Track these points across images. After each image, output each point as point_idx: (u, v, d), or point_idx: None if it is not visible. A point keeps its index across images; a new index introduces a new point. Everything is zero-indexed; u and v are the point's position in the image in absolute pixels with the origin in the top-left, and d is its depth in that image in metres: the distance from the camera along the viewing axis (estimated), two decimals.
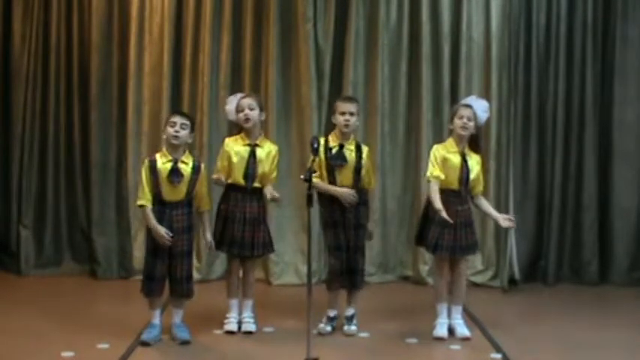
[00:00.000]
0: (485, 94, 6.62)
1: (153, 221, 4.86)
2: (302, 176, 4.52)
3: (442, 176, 5.05)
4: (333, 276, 5.23)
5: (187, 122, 4.96)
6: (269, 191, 5.10)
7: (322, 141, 5.12)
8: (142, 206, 4.93)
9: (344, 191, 5.11)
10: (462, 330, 5.16)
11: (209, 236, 5.11)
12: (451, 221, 4.96)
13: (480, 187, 5.26)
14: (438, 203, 5.00)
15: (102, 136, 6.88)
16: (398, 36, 6.87)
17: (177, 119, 4.95)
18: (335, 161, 5.13)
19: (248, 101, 5.19)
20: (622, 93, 6.88)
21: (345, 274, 5.22)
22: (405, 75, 6.87)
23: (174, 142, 4.91)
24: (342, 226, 5.17)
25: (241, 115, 5.15)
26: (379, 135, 6.77)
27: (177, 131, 4.90)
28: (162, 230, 4.83)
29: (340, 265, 5.18)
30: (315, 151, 4.64)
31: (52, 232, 7.03)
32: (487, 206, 5.36)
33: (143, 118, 6.80)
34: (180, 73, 6.84)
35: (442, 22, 6.78)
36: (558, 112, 6.83)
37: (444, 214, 4.95)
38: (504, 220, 5.29)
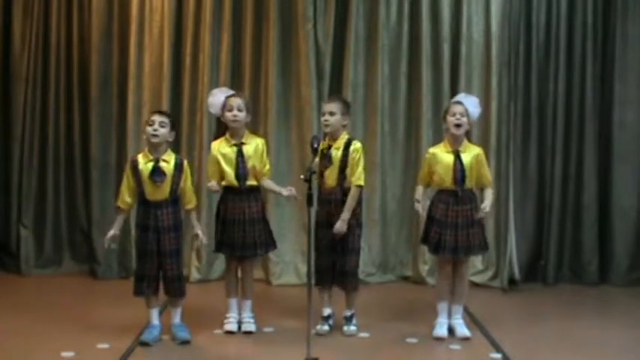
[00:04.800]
0: (485, 94, 6.62)
1: (114, 226, 5.01)
2: (302, 176, 4.52)
3: (426, 180, 5.22)
4: (318, 275, 5.22)
5: (166, 120, 4.96)
6: (286, 191, 5.08)
7: None
8: (118, 207, 5.07)
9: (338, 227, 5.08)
10: (462, 330, 5.16)
11: (199, 232, 5.06)
12: (421, 212, 5.16)
13: (483, 181, 5.20)
14: (417, 194, 5.21)
15: (102, 136, 6.88)
16: (398, 36, 6.86)
17: (156, 118, 4.97)
18: (322, 162, 5.10)
19: (238, 102, 5.14)
20: (622, 93, 6.86)
21: (337, 276, 5.19)
22: (405, 75, 6.86)
23: (154, 140, 4.93)
24: (327, 227, 5.11)
25: (229, 115, 5.12)
26: (379, 134, 6.77)
27: (155, 129, 4.91)
28: (106, 242, 5.02)
29: (323, 264, 5.17)
30: (315, 151, 4.65)
31: (52, 232, 7.04)
32: (486, 199, 5.19)
33: (143, 118, 6.76)
34: (180, 73, 6.84)
35: (442, 22, 6.77)
36: (558, 112, 6.82)
37: (417, 206, 5.14)
38: None
